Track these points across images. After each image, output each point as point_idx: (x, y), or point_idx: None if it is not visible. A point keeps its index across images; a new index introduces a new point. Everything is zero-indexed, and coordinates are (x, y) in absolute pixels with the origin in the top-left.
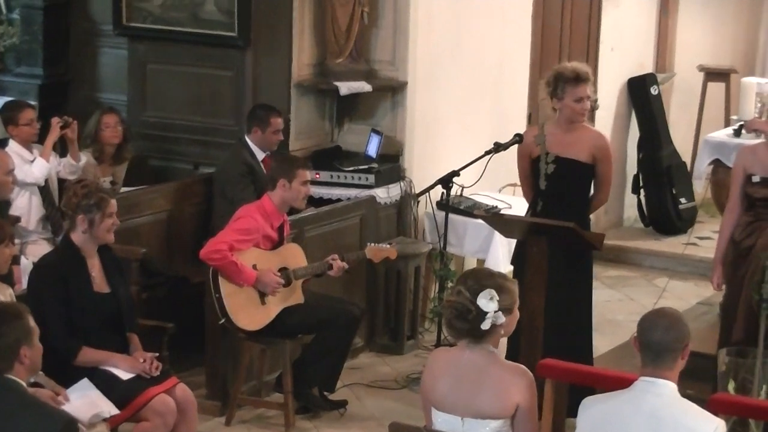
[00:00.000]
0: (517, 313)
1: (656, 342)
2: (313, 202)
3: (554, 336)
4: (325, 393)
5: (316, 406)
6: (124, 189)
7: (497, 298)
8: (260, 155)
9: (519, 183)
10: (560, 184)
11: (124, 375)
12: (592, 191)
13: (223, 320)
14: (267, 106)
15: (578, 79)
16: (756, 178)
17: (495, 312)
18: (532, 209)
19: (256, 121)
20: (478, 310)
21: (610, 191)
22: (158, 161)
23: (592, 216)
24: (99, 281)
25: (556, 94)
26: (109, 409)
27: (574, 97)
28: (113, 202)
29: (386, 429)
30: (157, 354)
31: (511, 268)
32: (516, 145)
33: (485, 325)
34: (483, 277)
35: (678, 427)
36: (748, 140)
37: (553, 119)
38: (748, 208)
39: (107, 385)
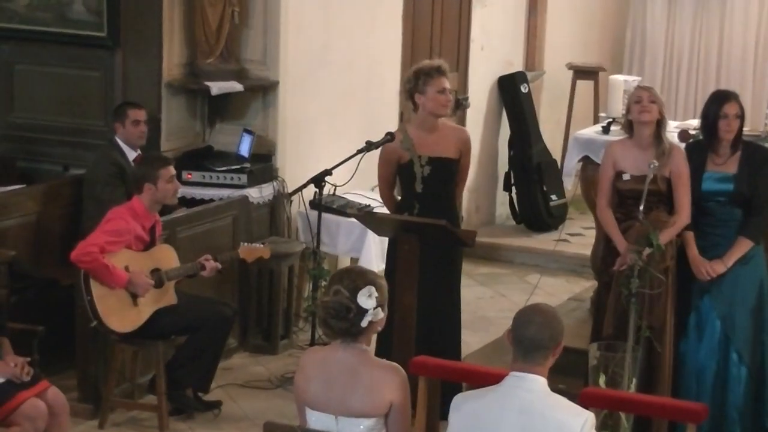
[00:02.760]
0: (387, 310)
1: (529, 338)
2: (185, 202)
3: (423, 334)
4: (199, 394)
5: (190, 407)
6: None
7: (376, 294)
8: (131, 154)
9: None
10: (436, 184)
11: None
12: None
13: (94, 323)
14: (125, 101)
15: (439, 70)
16: (626, 176)
17: (374, 309)
18: (408, 212)
19: (115, 116)
20: (359, 307)
21: (483, 189)
22: (26, 163)
23: (464, 213)
24: None
25: (418, 89)
26: None
27: (437, 88)
28: None
29: (261, 429)
30: (29, 359)
31: (383, 266)
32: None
33: (364, 323)
34: (357, 275)
35: (548, 422)
36: (616, 137)
37: (412, 122)
38: (618, 205)
39: None
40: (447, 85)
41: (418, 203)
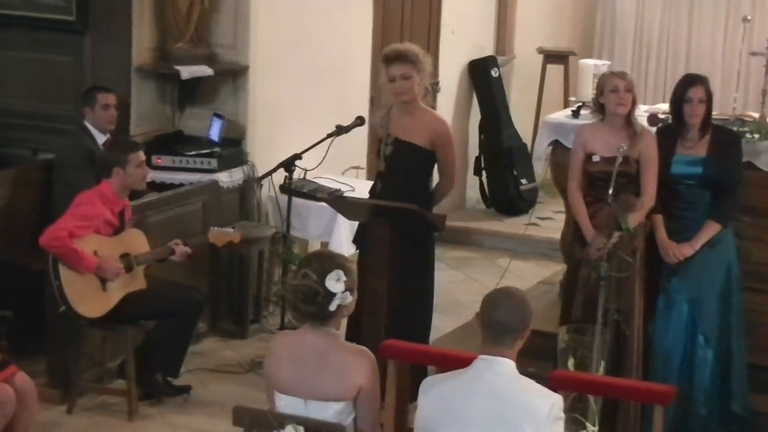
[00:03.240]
0: (356, 295)
1: (498, 321)
2: (155, 187)
3: (394, 318)
4: (169, 378)
5: (160, 391)
6: None
7: (344, 278)
8: (101, 138)
9: (362, 166)
10: (397, 166)
11: None
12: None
13: (63, 308)
14: (95, 86)
15: (386, 58)
16: (596, 158)
17: (343, 292)
18: (372, 191)
19: (85, 101)
20: (327, 291)
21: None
22: None
23: None
24: None
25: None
26: None
27: (386, 76)
28: None
29: (230, 413)
30: None
31: (353, 250)
32: (359, 128)
33: (333, 306)
34: (326, 259)
35: (517, 404)
36: (586, 120)
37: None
38: (588, 187)
39: None
40: (398, 72)
41: (380, 182)
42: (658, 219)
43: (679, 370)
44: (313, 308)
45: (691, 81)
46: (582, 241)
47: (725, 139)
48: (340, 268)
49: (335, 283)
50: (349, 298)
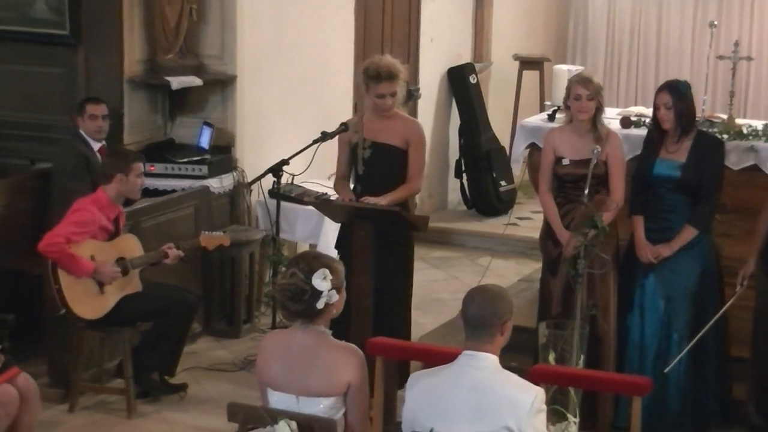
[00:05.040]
0: (344, 294)
1: (473, 316)
2: (148, 193)
3: (374, 317)
4: (165, 377)
5: (157, 390)
6: None
7: (330, 277)
8: (95, 146)
9: None
10: (376, 168)
11: None
12: None
13: (63, 311)
14: (88, 97)
15: (378, 77)
16: (566, 161)
17: (329, 291)
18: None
19: (75, 111)
20: (313, 289)
21: (435, 176)
22: None
23: (417, 200)
24: None
25: (365, 88)
26: None
27: (375, 93)
28: None
29: (225, 410)
30: (0, 346)
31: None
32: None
33: (320, 305)
34: (312, 259)
35: (499, 398)
36: (561, 124)
37: (371, 108)
38: (558, 189)
39: None
40: (388, 90)
41: (360, 185)
42: (638, 220)
43: (654, 365)
44: (300, 306)
45: (659, 88)
46: (554, 239)
47: (705, 145)
48: (326, 267)
49: (321, 281)
50: (336, 297)
